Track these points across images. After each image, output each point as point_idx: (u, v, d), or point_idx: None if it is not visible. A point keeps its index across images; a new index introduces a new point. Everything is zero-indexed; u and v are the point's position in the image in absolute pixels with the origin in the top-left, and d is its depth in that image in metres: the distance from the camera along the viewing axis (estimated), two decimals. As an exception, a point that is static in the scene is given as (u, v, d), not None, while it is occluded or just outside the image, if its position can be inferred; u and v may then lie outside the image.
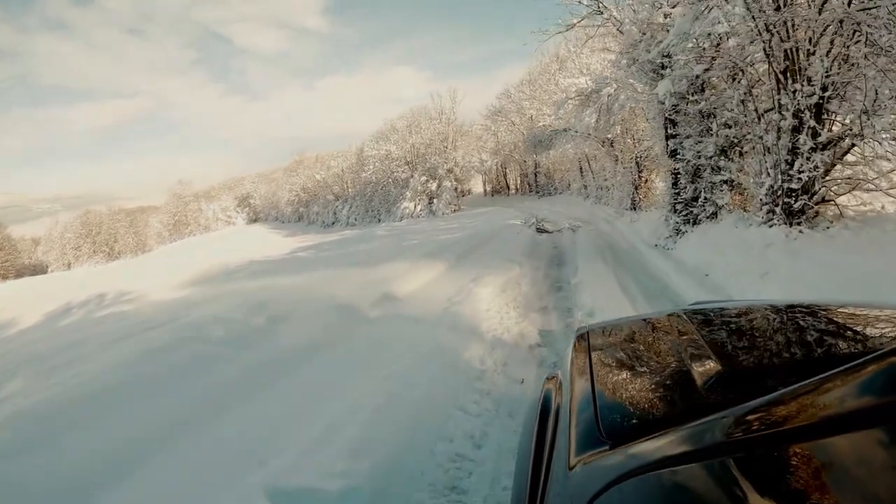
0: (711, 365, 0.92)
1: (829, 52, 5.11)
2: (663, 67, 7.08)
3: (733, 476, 0.52)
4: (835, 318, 1.12)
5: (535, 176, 32.29)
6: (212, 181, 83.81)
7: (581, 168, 24.48)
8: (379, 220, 36.04)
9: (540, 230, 12.44)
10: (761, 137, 5.85)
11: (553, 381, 1.22)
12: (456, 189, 33.66)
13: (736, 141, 6.58)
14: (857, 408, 0.50)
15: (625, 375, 1.06)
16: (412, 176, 33.33)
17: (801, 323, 1.17)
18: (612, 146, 15.81)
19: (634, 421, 0.82)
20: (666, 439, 0.67)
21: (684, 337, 1.16)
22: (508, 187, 39.52)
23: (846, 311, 1.14)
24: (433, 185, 32.46)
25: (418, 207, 32.70)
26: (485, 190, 43.31)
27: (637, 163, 13.64)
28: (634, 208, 14.02)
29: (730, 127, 6.58)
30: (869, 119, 4.76)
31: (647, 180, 13.74)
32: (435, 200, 32.31)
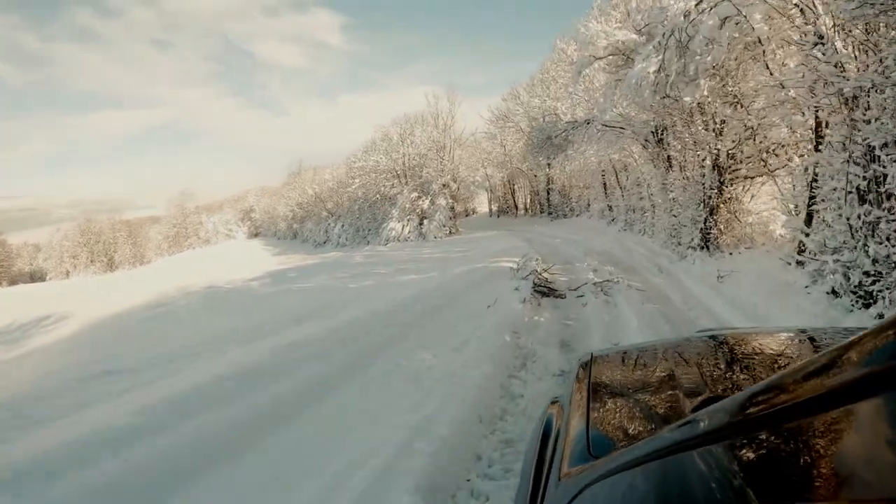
0: (702, 392, 1.00)
1: None
2: None
3: (698, 467, 0.58)
4: (839, 345, 1.05)
5: (548, 193, 26.43)
6: (228, 192, 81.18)
7: (605, 182, 18.60)
8: (367, 242, 30.86)
9: (542, 291, 6.51)
10: None
11: (556, 406, 1.31)
12: (452, 208, 28.04)
13: None
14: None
15: (618, 401, 1.14)
16: (401, 192, 27.94)
17: (804, 350, 1.21)
18: (659, 143, 9.98)
19: (619, 441, 0.93)
20: (637, 444, 0.79)
21: (683, 364, 1.23)
22: (517, 207, 33.68)
23: (852, 337, 0.99)
24: (425, 203, 26.93)
25: (407, 229, 27.17)
26: (490, 210, 37.58)
27: (718, 168, 7.71)
28: (706, 246, 8.11)
29: None
30: None
31: (731, 198, 7.81)
32: (426, 221, 26.75)
